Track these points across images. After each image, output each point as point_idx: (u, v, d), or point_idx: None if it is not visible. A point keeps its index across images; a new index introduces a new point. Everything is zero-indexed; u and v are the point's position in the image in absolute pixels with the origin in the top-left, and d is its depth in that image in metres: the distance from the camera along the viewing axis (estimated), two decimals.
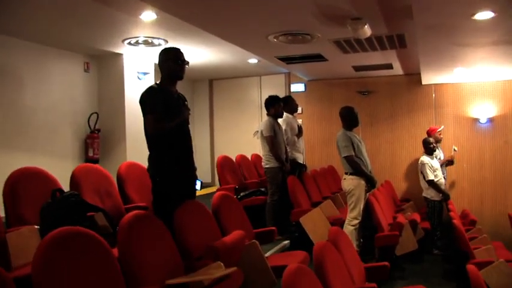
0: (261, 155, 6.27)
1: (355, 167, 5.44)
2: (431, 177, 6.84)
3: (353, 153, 5.45)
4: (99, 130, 6.87)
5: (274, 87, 8.97)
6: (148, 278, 2.70)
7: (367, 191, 5.53)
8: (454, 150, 8.02)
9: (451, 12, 4.13)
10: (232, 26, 5.13)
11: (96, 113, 6.90)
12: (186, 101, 3.78)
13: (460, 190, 8.31)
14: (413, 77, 8.44)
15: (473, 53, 5.90)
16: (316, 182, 7.21)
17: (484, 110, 8.24)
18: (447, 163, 7.78)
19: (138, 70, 7.11)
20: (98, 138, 6.83)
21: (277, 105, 6.16)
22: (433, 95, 8.54)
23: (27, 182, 3.44)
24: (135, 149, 6.59)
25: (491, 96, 8.21)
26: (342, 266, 3.14)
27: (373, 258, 5.45)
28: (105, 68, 7.05)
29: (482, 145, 8.28)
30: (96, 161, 6.74)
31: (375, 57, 6.90)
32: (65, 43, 6.30)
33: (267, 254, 4.71)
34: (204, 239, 3.41)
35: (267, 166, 6.06)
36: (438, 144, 7.67)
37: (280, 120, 6.32)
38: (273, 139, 5.96)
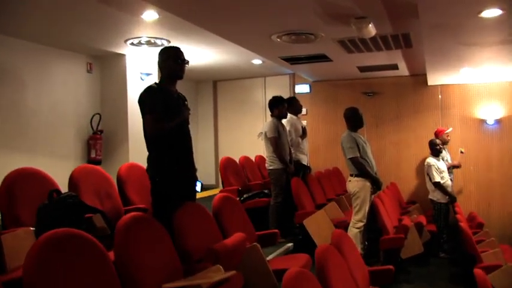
0: (265, 157, 6.20)
1: (361, 168, 5.37)
2: (437, 179, 6.75)
3: (358, 155, 5.39)
4: (101, 131, 6.83)
5: (278, 88, 8.90)
6: (145, 281, 2.64)
7: (372, 193, 5.46)
8: (461, 152, 7.93)
9: (457, 10, 4.05)
10: (234, 25, 5.06)
11: (98, 114, 6.86)
12: (186, 100, 3.70)
13: (467, 192, 8.20)
14: (419, 78, 8.35)
15: (480, 52, 5.80)
16: (320, 184, 7.13)
17: (491, 111, 8.13)
18: (454, 167, 7.70)
19: (141, 71, 7.06)
20: (100, 139, 6.79)
21: (281, 106, 6.09)
22: (440, 96, 8.44)
23: (24, 183, 3.39)
24: (138, 150, 6.48)
25: (498, 97, 8.10)
26: (345, 269, 3.06)
27: (378, 262, 5.37)
28: (108, 69, 7.01)
29: (490, 147, 8.16)
30: (98, 162, 6.69)
31: (380, 58, 6.82)
32: (67, 43, 6.27)
33: (269, 257, 4.65)
34: (204, 241, 3.33)
35: (270, 168, 5.99)
36: (445, 146, 7.58)
37: (284, 121, 6.25)
38: (276, 140, 5.89)
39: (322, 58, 6.81)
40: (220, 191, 6.14)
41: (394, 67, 7.69)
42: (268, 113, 6.27)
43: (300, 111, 7.03)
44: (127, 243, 2.71)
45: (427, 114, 8.50)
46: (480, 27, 4.60)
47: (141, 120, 3.48)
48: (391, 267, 3.67)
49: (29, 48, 5.95)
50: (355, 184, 5.40)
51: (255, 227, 4.43)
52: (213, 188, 8.73)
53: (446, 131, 7.72)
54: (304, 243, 5.54)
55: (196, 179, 3.76)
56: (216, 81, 9.86)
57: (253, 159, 7.65)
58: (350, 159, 5.41)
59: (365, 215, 5.33)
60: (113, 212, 3.82)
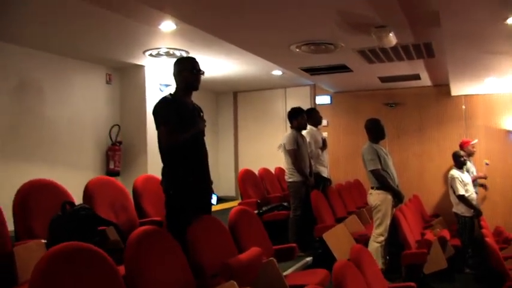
0: (285, 169, 6.11)
1: (382, 181, 5.24)
2: (461, 192, 6.55)
3: (379, 167, 5.26)
4: (120, 142, 6.83)
5: (299, 99, 8.84)
6: None
7: (394, 206, 5.32)
8: (486, 164, 7.71)
9: (481, 16, 3.93)
10: (252, 35, 5.01)
11: (117, 125, 6.86)
12: (202, 112, 3.64)
13: (493, 206, 7.95)
14: (442, 88, 8.19)
15: (507, 61, 5.63)
16: (341, 197, 7.00)
17: None
18: (480, 178, 7.49)
19: (160, 82, 7.06)
20: (119, 151, 6.79)
21: (300, 118, 6.00)
22: (463, 107, 8.27)
23: (38, 194, 3.36)
24: (156, 161, 6.39)
25: None
26: (364, 286, 2.94)
27: (399, 277, 5.21)
28: (127, 80, 7.03)
29: None
30: (117, 174, 6.70)
31: (402, 68, 6.70)
32: (86, 55, 6.30)
33: (287, 272, 4.55)
34: (219, 256, 3.24)
35: (290, 180, 5.89)
36: (470, 158, 7.39)
37: (304, 133, 6.15)
38: (295, 152, 5.80)
39: (342, 68, 6.72)
40: (239, 204, 6.09)
41: (416, 77, 7.55)
42: (289, 124, 6.19)
43: (320, 123, 6.93)
44: (138, 257, 2.64)
45: (451, 125, 8.32)
46: (506, 35, 4.45)
47: None
48: (413, 284, 3.53)
49: (49, 60, 5.99)
50: (376, 197, 5.27)
51: (273, 241, 4.33)
52: (233, 200, 8.66)
53: (472, 142, 7.53)
54: (324, 258, 5.40)
55: (211, 192, 3.68)
56: (236, 92, 9.82)
57: (273, 171, 7.56)
58: (371, 171, 5.29)
59: (386, 229, 5.19)
60: (127, 225, 3.77)
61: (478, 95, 8.16)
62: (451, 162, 7.05)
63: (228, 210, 6.57)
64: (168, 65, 6.75)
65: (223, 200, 8.51)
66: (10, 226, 3.17)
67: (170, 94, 3.54)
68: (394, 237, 5.39)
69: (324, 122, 8.42)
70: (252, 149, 9.54)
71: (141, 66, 6.87)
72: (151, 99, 6.84)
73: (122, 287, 2.41)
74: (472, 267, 6.42)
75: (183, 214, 3.33)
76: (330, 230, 5.50)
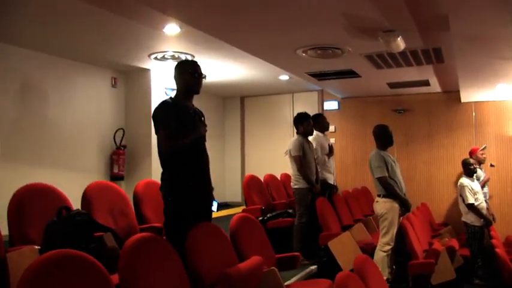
0: (291, 175, 6.01)
1: (389, 189, 5.12)
2: (471, 200, 6.41)
3: (386, 175, 5.14)
4: (125, 146, 6.77)
5: (307, 104, 8.74)
6: None
7: (400, 215, 5.20)
8: (491, 165, 7.57)
9: (492, 20, 3.81)
10: (257, 39, 4.93)
11: (122, 128, 6.81)
12: (203, 116, 3.55)
13: (504, 215, 7.78)
14: (451, 95, 8.06)
15: None
16: (347, 204, 6.88)
17: None
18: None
19: (166, 86, 7.00)
20: (123, 155, 6.74)
21: (306, 123, 5.90)
22: (473, 114, 8.12)
23: (35, 199, 3.30)
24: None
25: None
26: None
27: (406, 287, 5.08)
28: (132, 84, 6.99)
29: None
30: (121, 178, 6.65)
31: (411, 73, 6.59)
32: (92, 58, 6.27)
33: (290, 281, 4.44)
34: (219, 264, 3.15)
35: (295, 187, 5.80)
36: (482, 166, 7.25)
37: (310, 138, 6.05)
38: (301, 159, 5.71)
39: (350, 74, 6.63)
40: (243, 210, 6.00)
41: (426, 83, 7.44)
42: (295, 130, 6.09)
43: (327, 129, 6.82)
44: (133, 265, 2.55)
45: (461, 133, 8.18)
46: None
47: None
48: None
49: (53, 62, 5.96)
50: (382, 205, 5.16)
51: (277, 248, 4.24)
52: (239, 206, 8.57)
53: (480, 149, 7.39)
54: (329, 266, 5.28)
55: (212, 199, 3.58)
56: (243, 97, 9.75)
57: (279, 177, 7.45)
58: (378, 178, 5.18)
59: (393, 238, 5.06)
60: (126, 231, 3.70)
61: (488, 101, 8.02)
62: (461, 170, 6.92)
63: (233, 216, 6.50)
64: (174, 69, 6.72)
65: (229, 205, 8.43)
66: (5, 231, 3.11)
67: (171, 98, 3.47)
68: (402, 245, 5.27)
69: (332, 128, 8.32)
70: (259, 154, 9.46)
71: (147, 70, 6.82)
72: (157, 103, 6.73)
73: None
74: (482, 278, 6.27)
75: (183, 220, 3.24)
76: (335, 238, 5.38)
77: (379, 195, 5.24)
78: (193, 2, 3.81)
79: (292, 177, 5.90)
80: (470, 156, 7.19)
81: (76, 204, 3.65)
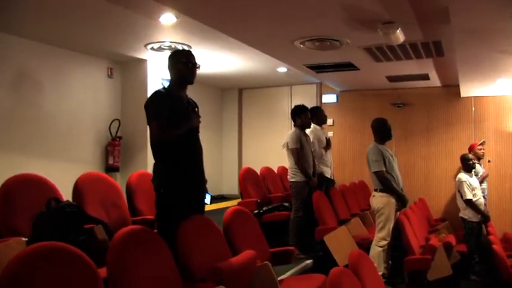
0: (288, 168, 5.94)
1: (386, 183, 5.07)
2: (469, 196, 6.35)
3: (384, 169, 5.08)
4: (120, 137, 6.70)
5: (305, 97, 8.67)
6: None
7: (397, 210, 5.14)
8: (488, 161, 7.53)
9: (493, 13, 3.74)
10: (254, 30, 4.86)
11: (117, 119, 6.73)
12: (197, 107, 3.48)
13: (501, 212, 7.74)
14: (451, 89, 8.00)
15: None
16: (344, 198, 6.82)
17: None
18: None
19: (162, 76, 6.91)
20: (119, 146, 6.67)
21: (303, 116, 5.83)
22: (473, 109, 8.06)
23: (24, 190, 3.23)
24: None
25: None
26: None
27: (402, 283, 5.05)
28: (129, 74, 6.91)
29: None
30: (116, 169, 6.59)
31: (410, 67, 6.52)
32: (87, 48, 6.19)
33: (285, 275, 4.39)
34: (210, 258, 3.08)
35: (292, 180, 5.74)
36: (481, 161, 7.19)
37: (307, 131, 5.98)
38: (298, 151, 5.64)
39: (348, 66, 6.56)
40: (239, 203, 5.93)
41: (425, 77, 7.37)
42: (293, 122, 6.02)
43: (325, 122, 6.75)
44: (121, 258, 2.49)
45: (460, 128, 8.13)
46: None
47: None
48: None
49: (48, 52, 5.88)
50: (379, 200, 5.10)
51: (273, 242, 4.18)
52: (236, 199, 8.52)
53: (478, 144, 7.34)
54: (325, 261, 5.24)
55: (205, 191, 3.52)
56: (241, 89, 9.68)
57: (276, 170, 7.39)
58: (375, 173, 5.12)
59: (389, 233, 5.01)
60: (118, 223, 3.63)
61: (488, 96, 7.96)
62: (459, 165, 6.86)
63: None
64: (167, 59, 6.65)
65: (225, 198, 8.37)
66: None
67: (164, 88, 3.41)
68: (398, 240, 5.22)
69: (330, 121, 8.25)
70: (256, 146, 9.42)
71: (143, 60, 6.74)
72: None
73: None
74: (478, 274, 6.23)
75: (174, 213, 3.18)
76: (331, 233, 5.33)
77: (375, 190, 5.19)
78: None
79: (289, 170, 5.83)
80: (469, 152, 7.14)
81: (70, 195, 3.60)
